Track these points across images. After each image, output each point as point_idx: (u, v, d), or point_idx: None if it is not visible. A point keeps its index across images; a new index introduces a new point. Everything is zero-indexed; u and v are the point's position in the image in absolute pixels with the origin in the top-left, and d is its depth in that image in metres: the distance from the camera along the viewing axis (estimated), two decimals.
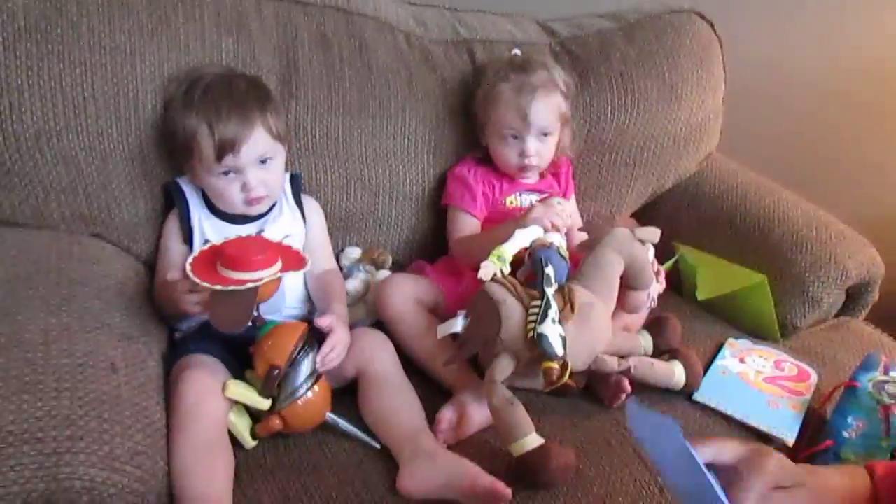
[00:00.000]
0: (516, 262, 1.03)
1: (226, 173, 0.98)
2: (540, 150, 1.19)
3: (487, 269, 0.99)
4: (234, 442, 0.89)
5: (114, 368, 0.82)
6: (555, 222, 1.08)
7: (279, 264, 0.91)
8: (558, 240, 1.07)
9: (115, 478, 0.72)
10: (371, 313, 1.12)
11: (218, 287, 0.86)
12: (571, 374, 0.90)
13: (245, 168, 0.98)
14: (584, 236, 1.09)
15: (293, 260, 0.95)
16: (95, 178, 1.02)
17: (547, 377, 0.88)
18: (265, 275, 0.88)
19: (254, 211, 1.03)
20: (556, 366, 0.88)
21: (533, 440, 0.86)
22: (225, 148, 0.95)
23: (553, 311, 0.91)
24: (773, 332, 1.22)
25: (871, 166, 1.90)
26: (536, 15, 1.43)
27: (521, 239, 1.04)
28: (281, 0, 1.15)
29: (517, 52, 1.24)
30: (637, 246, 1.03)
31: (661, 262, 1.21)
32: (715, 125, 1.46)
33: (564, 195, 1.30)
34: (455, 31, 1.31)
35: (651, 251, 1.07)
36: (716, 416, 1.02)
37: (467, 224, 1.21)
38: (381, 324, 1.09)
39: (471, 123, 1.25)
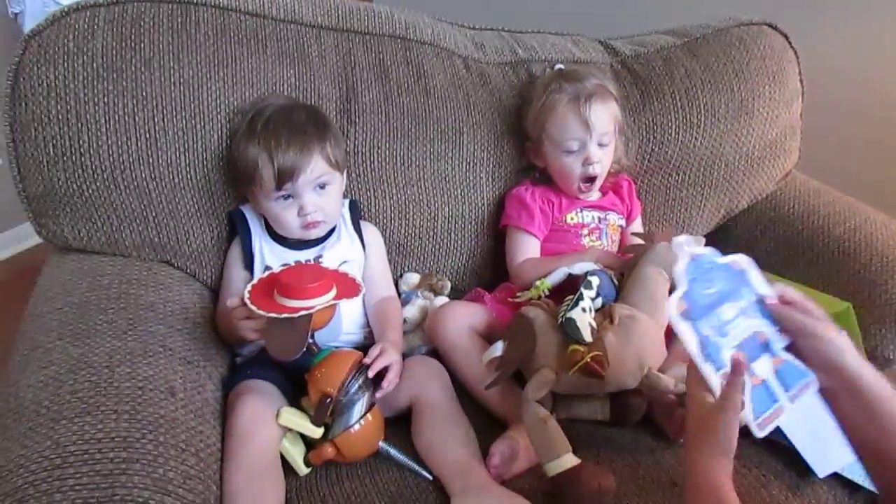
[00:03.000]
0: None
1: (285, 198, 1.01)
2: (601, 158, 1.16)
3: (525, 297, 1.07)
4: (288, 469, 0.89)
5: (172, 392, 0.85)
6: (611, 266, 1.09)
7: (333, 291, 0.91)
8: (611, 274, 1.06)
9: (167, 500, 0.73)
10: (428, 341, 1.11)
11: (272, 315, 0.87)
12: (602, 366, 0.88)
13: (302, 193, 1.00)
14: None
15: (348, 287, 0.95)
16: (165, 208, 1.06)
17: (572, 358, 0.88)
18: (319, 302, 0.89)
19: (310, 235, 1.04)
20: (581, 348, 0.87)
21: (567, 460, 0.84)
22: (284, 176, 0.98)
23: (585, 303, 0.91)
24: None
25: None
26: (597, 34, 1.41)
27: (564, 272, 1.08)
28: (340, 31, 1.18)
29: (561, 66, 1.23)
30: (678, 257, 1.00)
31: None
32: (792, 142, 1.38)
33: (629, 215, 1.26)
34: (514, 53, 1.30)
35: None
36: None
37: (527, 243, 1.19)
38: (437, 352, 1.08)
39: (522, 146, 1.23)
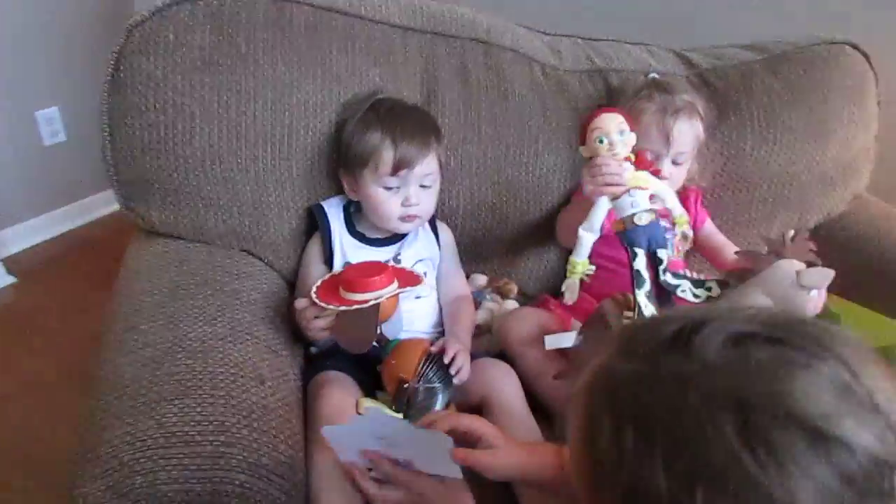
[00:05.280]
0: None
1: (390, 188, 1.04)
2: (672, 174, 1.16)
3: (571, 289, 1.01)
4: None
5: (261, 380, 0.88)
6: (609, 183, 0.96)
7: (396, 283, 0.95)
8: (631, 203, 0.95)
9: (261, 485, 0.77)
10: (494, 344, 1.13)
11: (343, 308, 0.91)
12: None
13: (410, 184, 1.04)
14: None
15: (408, 278, 1.00)
16: (249, 198, 1.09)
17: None
18: (384, 293, 0.92)
19: (404, 228, 1.08)
20: None
21: None
22: (402, 163, 1.02)
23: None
24: None
25: None
26: (672, 45, 1.41)
27: (587, 238, 1.00)
28: (425, 33, 1.19)
29: (654, 75, 1.23)
30: (796, 291, 0.90)
31: None
32: (865, 164, 1.37)
33: (695, 223, 1.26)
34: (590, 61, 1.31)
35: (814, 294, 0.93)
36: None
37: None
38: (503, 354, 1.10)
39: None
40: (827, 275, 0.90)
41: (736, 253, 1.05)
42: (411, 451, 0.78)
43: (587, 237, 1.00)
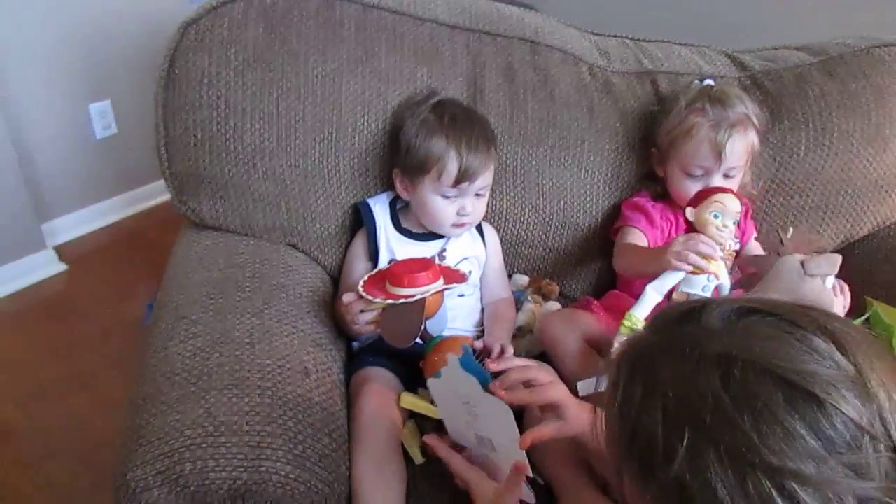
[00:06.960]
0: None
1: (447, 196, 1.05)
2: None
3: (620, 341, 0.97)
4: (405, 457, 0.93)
5: (306, 373, 0.89)
6: (698, 265, 0.95)
7: (441, 279, 0.96)
8: (701, 285, 0.97)
9: (305, 476, 0.78)
10: (535, 345, 1.13)
11: (389, 301, 0.92)
12: None
13: (468, 194, 1.05)
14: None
15: (454, 276, 1.01)
16: (297, 194, 1.11)
17: None
18: (431, 288, 0.93)
19: (456, 233, 1.09)
20: None
21: None
22: (465, 175, 1.02)
23: None
24: None
25: None
26: (724, 46, 1.38)
27: (653, 298, 0.98)
28: (472, 31, 1.19)
29: (710, 82, 1.20)
30: (807, 282, 0.87)
31: (851, 319, 1.11)
32: None
33: (743, 238, 1.23)
34: (638, 62, 1.29)
35: (830, 280, 0.90)
36: None
37: (640, 243, 1.15)
38: (543, 355, 1.10)
39: (647, 153, 1.22)
40: (833, 261, 0.89)
41: (736, 261, 1.02)
42: (488, 427, 0.79)
43: (654, 298, 0.98)
